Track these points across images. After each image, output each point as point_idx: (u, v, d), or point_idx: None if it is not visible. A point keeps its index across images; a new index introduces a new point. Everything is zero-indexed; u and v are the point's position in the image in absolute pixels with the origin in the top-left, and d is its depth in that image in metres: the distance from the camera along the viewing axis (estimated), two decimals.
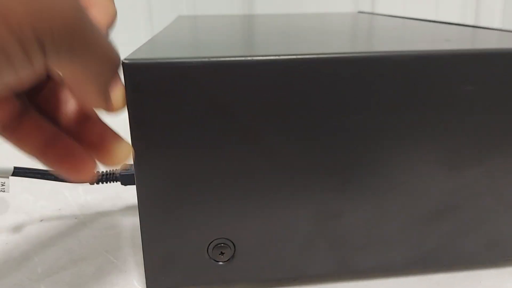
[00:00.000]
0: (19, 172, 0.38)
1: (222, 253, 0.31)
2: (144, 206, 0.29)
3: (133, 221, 0.43)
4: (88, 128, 0.26)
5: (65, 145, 0.25)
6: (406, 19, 0.57)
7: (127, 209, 0.45)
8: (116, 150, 0.26)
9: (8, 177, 0.37)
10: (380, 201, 0.31)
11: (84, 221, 0.43)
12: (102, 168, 0.53)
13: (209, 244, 0.30)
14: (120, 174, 0.40)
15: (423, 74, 0.28)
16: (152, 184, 0.28)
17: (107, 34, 0.25)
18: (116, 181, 0.41)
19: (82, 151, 0.26)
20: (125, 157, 0.27)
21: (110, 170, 0.41)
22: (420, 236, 0.32)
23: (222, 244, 0.30)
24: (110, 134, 0.26)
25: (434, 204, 0.31)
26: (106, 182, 0.41)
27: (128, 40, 0.93)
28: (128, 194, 0.48)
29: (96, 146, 0.26)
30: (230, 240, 0.30)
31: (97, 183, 0.40)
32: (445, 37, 0.35)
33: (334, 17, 0.62)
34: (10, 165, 0.37)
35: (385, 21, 0.55)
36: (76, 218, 0.43)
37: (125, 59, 0.26)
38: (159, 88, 0.26)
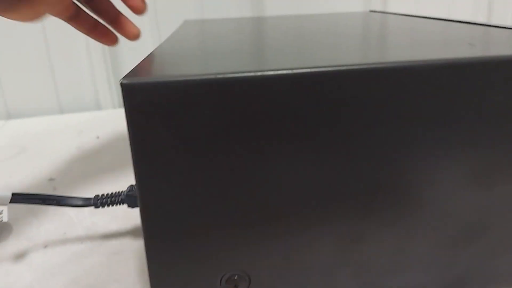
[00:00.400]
0: (17, 198, 0.36)
1: (236, 286, 0.28)
2: (150, 236, 0.27)
3: (142, 244, 0.41)
4: (115, 18, 0.46)
5: (101, 28, 0.46)
6: (419, 18, 0.55)
7: (135, 231, 0.43)
8: (128, 27, 0.46)
9: (6, 205, 0.35)
10: (405, 222, 0.28)
11: (90, 246, 0.41)
12: (107, 190, 0.51)
13: (222, 277, 0.28)
14: (126, 195, 0.38)
15: (449, 83, 0.25)
16: (158, 212, 0.26)
17: None
18: (123, 204, 0.38)
19: (110, 30, 0.47)
20: (136, 32, 0.47)
21: (115, 192, 0.38)
22: (449, 258, 0.30)
23: (235, 277, 0.28)
24: (125, 20, 0.46)
25: (464, 223, 0.29)
26: (112, 205, 0.38)
27: (134, 44, 0.91)
28: (136, 214, 0.46)
29: (119, 26, 0.46)
30: (245, 272, 0.28)
31: (102, 206, 0.38)
32: (468, 40, 0.32)
33: (346, 18, 0.59)
34: (8, 192, 0.35)
35: (398, 21, 0.52)
36: (82, 243, 0.41)
37: (123, 79, 0.23)
38: (162, 109, 0.24)
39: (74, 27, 0.44)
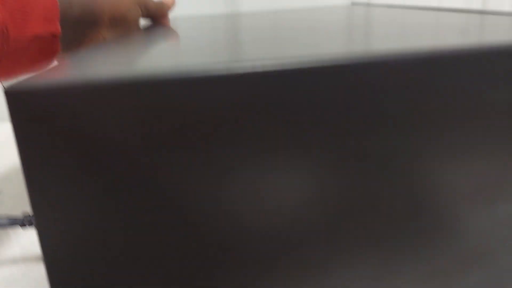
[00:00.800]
0: None
1: None
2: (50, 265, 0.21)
3: None
4: None
5: None
6: (406, 9, 0.49)
7: None
8: None
9: None
10: (402, 245, 0.23)
11: (24, 270, 0.35)
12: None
13: None
14: None
15: (439, 76, 0.20)
16: (55, 247, 0.21)
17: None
18: None
19: None
20: None
21: None
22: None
23: None
24: None
25: (468, 248, 0.24)
26: None
27: None
28: None
29: None
30: None
31: (30, 225, 0.33)
32: (459, 28, 0.27)
33: (325, 13, 0.54)
34: None
35: (383, 13, 0.47)
36: (15, 264, 0.36)
37: (7, 87, 0.18)
38: (54, 120, 0.18)
39: None
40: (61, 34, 0.35)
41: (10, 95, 0.18)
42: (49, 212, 0.20)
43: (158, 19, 0.51)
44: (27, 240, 0.39)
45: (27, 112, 0.18)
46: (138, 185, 0.20)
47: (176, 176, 0.20)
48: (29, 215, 0.33)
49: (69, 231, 0.21)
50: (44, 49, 0.34)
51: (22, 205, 0.46)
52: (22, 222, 0.32)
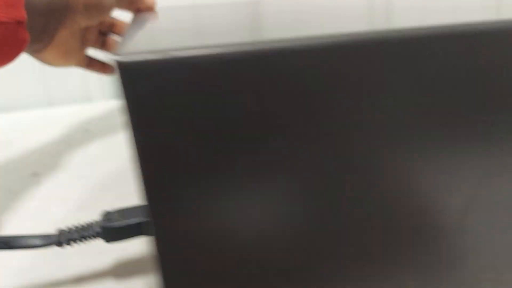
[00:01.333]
0: None
1: None
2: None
3: None
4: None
5: (98, 63, 0.52)
6: None
7: (116, 273, 0.33)
8: None
9: None
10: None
11: None
12: (93, 185, 0.44)
13: None
14: (102, 227, 0.29)
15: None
16: (175, 251, 0.19)
17: None
18: (96, 238, 0.29)
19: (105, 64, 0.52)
20: None
21: (86, 224, 0.29)
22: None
23: None
24: None
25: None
26: (82, 241, 0.29)
27: None
28: (116, 250, 0.35)
29: None
30: None
31: (68, 243, 0.29)
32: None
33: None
34: None
35: None
36: None
37: (118, 54, 0.15)
38: (179, 95, 0.16)
39: (90, 70, 0.52)
40: (28, 22, 0.34)
41: (127, 67, 0.15)
42: (172, 213, 0.18)
43: (140, 10, 0.44)
44: (23, 263, 0.34)
45: (145, 88, 0.16)
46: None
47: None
48: (65, 232, 0.29)
49: (201, 237, 0.18)
50: (9, 37, 0.32)
51: (58, 185, 0.46)
52: (59, 240, 0.28)
